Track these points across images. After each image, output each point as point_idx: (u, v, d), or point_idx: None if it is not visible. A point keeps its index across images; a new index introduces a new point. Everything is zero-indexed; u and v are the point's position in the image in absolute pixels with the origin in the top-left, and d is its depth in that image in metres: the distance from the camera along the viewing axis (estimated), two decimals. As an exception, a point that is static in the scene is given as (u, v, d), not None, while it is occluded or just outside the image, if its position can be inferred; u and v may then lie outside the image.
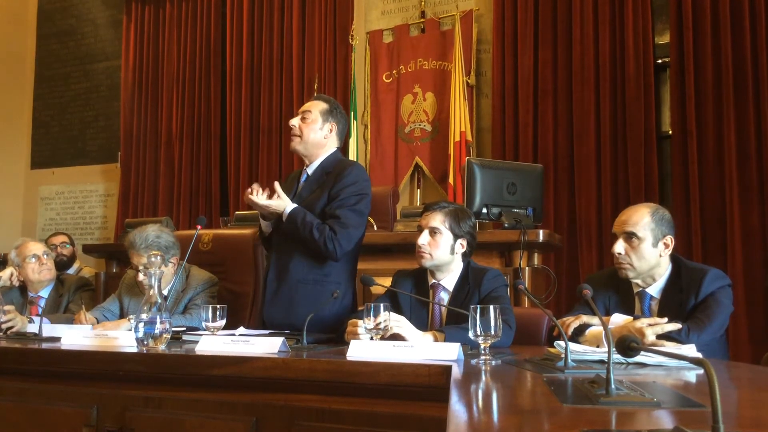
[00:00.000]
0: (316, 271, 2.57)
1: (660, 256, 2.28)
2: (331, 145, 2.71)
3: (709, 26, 4.49)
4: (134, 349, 2.01)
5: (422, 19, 5.63)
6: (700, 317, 2.13)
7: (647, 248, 2.26)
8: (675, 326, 2.04)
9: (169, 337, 2.03)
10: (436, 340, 2.04)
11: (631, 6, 4.75)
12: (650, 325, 2.04)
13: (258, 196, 2.53)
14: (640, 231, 2.26)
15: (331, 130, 2.68)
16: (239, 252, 3.09)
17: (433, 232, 2.35)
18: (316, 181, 2.65)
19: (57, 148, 7.11)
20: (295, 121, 2.68)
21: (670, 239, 2.29)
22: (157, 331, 1.98)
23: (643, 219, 2.28)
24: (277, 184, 2.56)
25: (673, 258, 2.33)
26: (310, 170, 2.70)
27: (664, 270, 2.31)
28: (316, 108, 2.67)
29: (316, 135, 2.65)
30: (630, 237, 2.27)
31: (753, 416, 1.14)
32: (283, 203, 2.55)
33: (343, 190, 2.55)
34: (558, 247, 3.89)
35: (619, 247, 2.29)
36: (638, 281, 2.33)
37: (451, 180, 5.11)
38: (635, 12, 4.74)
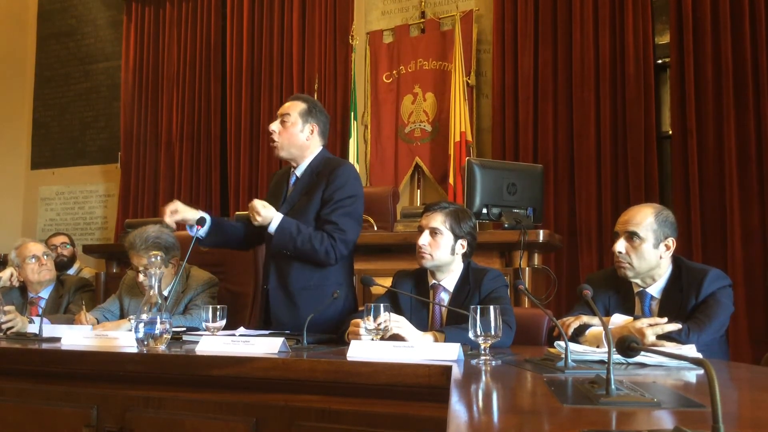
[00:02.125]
0: (315, 276, 2.56)
1: (660, 257, 2.27)
2: (316, 146, 2.65)
3: (709, 26, 4.49)
4: (134, 350, 2.00)
5: (422, 20, 5.63)
6: (701, 317, 2.13)
7: (648, 249, 2.25)
8: (675, 326, 2.04)
9: (170, 337, 2.04)
10: (436, 340, 2.04)
11: (631, 6, 4.75)
12: (650, 325, 2.03)
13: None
14: (642, 231, 2.25)
15: (312, 131, 2.62)
16: (239, 253, 3.08)
17: (434, 232, 2.35)
18: (306, 184, 2.61)
19: (57, 149, 7.11)
20: (274, 126, 2.61)
21: (671, 241, 2.28)
22: (157, 332, 1.98)
23: (646, 219, 2.27)
24: (256, 202, 2.51)
25: (674, 258, 2.32)
26: (298, 172, 2.65)
27: (664, 270, 2.30)
28: (294, 110, 2.61)
29: (298, 138, 2.59)
30: (632, 237, 2.27)
31: (753, 416, 1.14)
32: (271, 213, 2.50)
33: (335, 192, 2.52)
34: (558, 247, 3.89)
35: (620, 246, 2.28)
36: (638, 281, 2.32)
37: (451, 180, 5.11)
38: (635, 12, 4.74)
